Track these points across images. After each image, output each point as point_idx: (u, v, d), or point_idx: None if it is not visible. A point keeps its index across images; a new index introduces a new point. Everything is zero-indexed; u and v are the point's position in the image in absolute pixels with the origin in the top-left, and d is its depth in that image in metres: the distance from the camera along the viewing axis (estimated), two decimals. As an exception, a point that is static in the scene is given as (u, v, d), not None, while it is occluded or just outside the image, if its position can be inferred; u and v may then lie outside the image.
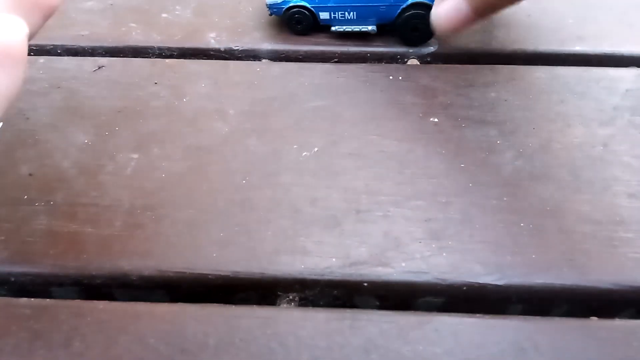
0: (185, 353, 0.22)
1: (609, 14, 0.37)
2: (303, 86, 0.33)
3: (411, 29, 0.35)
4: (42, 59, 0.35)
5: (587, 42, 0.35)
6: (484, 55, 0.35)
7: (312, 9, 0.35)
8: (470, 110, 0.31)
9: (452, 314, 0.23)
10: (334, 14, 0.35)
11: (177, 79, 0.34)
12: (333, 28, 0.36)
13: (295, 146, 0.30)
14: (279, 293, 0.25)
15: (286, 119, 0.31)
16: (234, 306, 0.23)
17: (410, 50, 0.35)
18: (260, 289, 0.25)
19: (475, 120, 0.31)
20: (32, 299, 0.24)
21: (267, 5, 0.36)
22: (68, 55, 0.36)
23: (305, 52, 0.36)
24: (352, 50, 0.36)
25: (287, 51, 0.36)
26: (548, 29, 0.36)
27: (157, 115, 0.31)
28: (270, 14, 0.37)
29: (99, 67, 0.34)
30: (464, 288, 0.24)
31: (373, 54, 0.35)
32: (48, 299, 0.24)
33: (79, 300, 0.24)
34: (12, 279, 0.25)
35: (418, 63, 0.35)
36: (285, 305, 0.24)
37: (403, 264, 0.24)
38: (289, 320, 0.23)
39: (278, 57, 0.36)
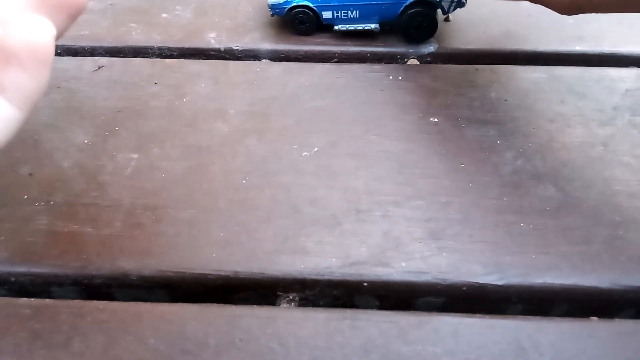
0: (185, 353, 0.22)
1: (609, 14, 0.37)
2: (303, 86, 0.33)
3: (414, 27, 0.35)
4: (42, 59, 0.35)
5: (587, 42, 0.35)
6: (484, 55, 0.35)
7: (315, 8, 0.35)
8: (470, 110, 0.31)
9: (452, 314, 0.23)
10: (337, 12, 0.35)
11: (177, 79, 0.34)
12: (336, 27, 0.36)
13: (295, 146, 0.30)
14: (279, 293, 0.25)
15: (286, 119, 0.31)
16: (234, 306, 0.23)
17: (410, 51, 0.35)
18: (260, 289, 0.25)
19: (475, 120, 0.31)
20: (32, 299, 0.24)
21: (269, 5, 0.36)
22: (68, 55, 0.36)
23: (305, 52, 0.36)
24: (352, 50, 0.36)
25: (287, 51, 0.36)
26: (548, 29, 0.36)
27: (157, 115, 0.31)
28: (272, 15, 0.37)
29: (99, 67, 0.34)
30: (464, 288, 0.24)
31: (373, 54, 0.35)
32: (48, 299, 0.24)
33: (79, 300, 0.24)
34: (12, 279, 0.25)
35: (418, 63, 0.35)
36: (285, 305, 0.24)
37: (403, 264, 0.24)
38: (289, 320, 0.23)
39: (278, 57, 0.36)
